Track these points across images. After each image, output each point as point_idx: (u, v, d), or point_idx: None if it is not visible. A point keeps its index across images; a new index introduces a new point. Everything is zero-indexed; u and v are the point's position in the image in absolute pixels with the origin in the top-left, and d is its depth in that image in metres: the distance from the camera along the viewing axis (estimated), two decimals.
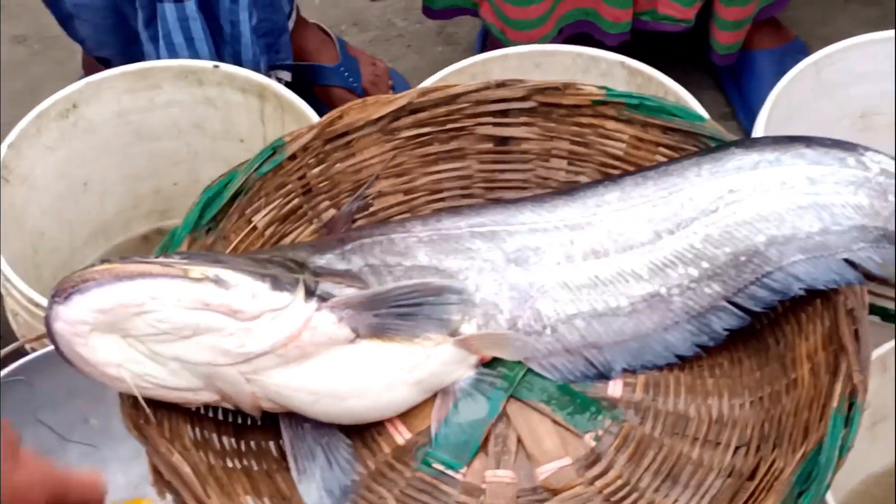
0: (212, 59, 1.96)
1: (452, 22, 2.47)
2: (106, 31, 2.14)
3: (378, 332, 1.32)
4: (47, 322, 1.23)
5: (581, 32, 2.18)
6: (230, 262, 1.30)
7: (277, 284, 1.28)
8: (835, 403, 1.24)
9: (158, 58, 1.97)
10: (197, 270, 1.25)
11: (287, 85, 1.87)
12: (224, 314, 1.25)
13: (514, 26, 2.13)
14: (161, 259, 1.27)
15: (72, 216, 1.92)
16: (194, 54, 1.97)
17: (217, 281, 1.26)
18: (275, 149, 1.48)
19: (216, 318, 1.25)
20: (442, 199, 1.56)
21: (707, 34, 2.25)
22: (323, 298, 1.31)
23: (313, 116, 1.77)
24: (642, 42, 2.20)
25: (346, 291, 1.33)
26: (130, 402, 1.28)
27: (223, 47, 2.01)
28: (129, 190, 1.97)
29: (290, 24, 2.21)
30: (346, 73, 2.33)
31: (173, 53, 1.97)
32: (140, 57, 2.04)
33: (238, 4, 1.97)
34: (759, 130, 1.70)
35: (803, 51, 2.28)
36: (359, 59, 2.36)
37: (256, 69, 1.97)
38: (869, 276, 1.36)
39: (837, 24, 2.42)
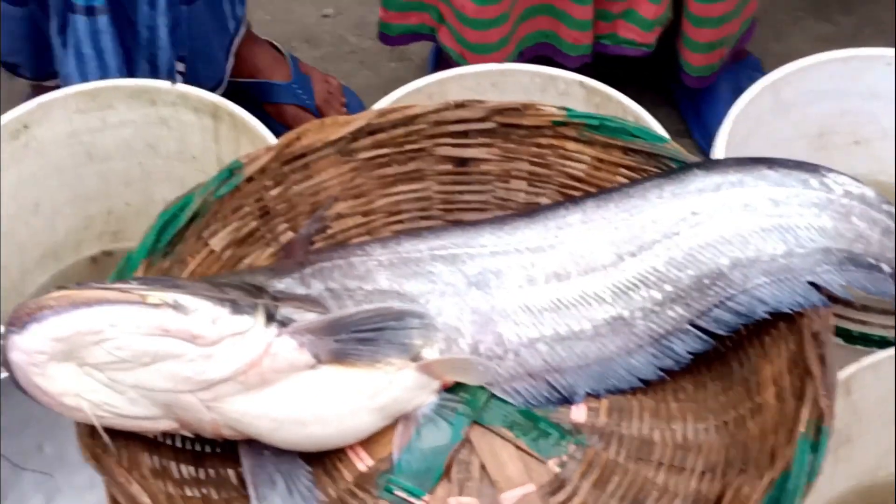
0: (120, 72, 1.95)
1: None
2: (19, 38, 2.11)
3: (339, 358, 1.30)
4: (3, 352, 1.21)
5: (541, 55, 2.17)
6: (189, 287, 1.28)
7: (237, 309, 1.26)
8: (802, 429, 1.23)
9: (69, 67, 1.95)
10: (155, 296, 1.23)
11: (233, 100, 1.85)
12: (184, 340, 1.23)
13: (474, 50, 2.12)
14: (118, 285, 1.25)
15: (23, 238, 1.89)
16: (103, 66, 1.94)
17: (176, 306, 1.23)
18: (232, 171, 1.46)
19: (176, 344, 1.23)
20: (401, 221, 1.55)
21: (676, 56, 2.24)
22: (283, 324, 1.29)
23: (268, 136, 1.74)
24: (599, 60, 2.19)
25: (307, 317, 1.31)
26: (87, 431, 1.26)
27: (137, 53, 1.98)
28: (80, 211, 1.94)
29: (237, 41, 2.19)
30: (298, 91, 2.31)
31: (82, 64, 1.94)
32: (51, 63, 2.03)
33: (156, 10, 1.94)
34: (718, 150, 1.70)
35: (758, 68, 2.28)
36: (311, 76, 2.34)
37: (171, 75, 1.96)
38: (833, 299, 1.35)
39: (791, 40, 2.42)
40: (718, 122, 1.79)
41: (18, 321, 1.20)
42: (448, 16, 2.15)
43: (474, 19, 2.11)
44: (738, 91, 1.85)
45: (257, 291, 1.32)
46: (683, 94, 2.33)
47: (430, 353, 1.35)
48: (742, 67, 2.29)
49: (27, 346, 1.19)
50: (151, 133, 1.86)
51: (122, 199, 1.94)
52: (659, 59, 2.30)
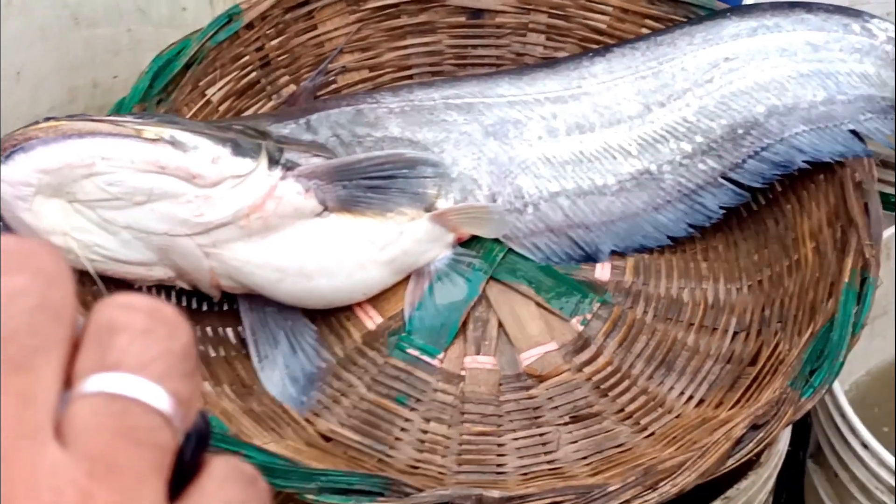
0: None
1: None
2: None
3: (348, 205, 1.21)
4: None
5: None
6: (187, 124, 1.19)
7: (239, 150, 1.17)
8: (846, 279, 1.15)
9: None
10: (151, 130, 1.14)
11: None
12: (181, 178, 1.14)
13: None
14: (113, 118, 1.16)
15: (3, 109, 1.79)
16: None
17: (174, 142, 1.14)
18: (230, 16, 1.37)
19: (172, 182, 1.14)
20: (410, 77, 1.46)
21: None
22: (288, 167, 1.20)
23: None
24: None
25: (313, 161, 1.22)
26: (77, 278, 1.15)
27: None
28: (64, 82, 1.83)
29: None
30: None
31: None
32: None
33: None
34: None
35: None
36: None
37: None
38: None
39: None
40: None
41: (4, 151, 1.10)
42: None
43: None
44: None
45: (260, 135, 1.23)
46: None
47: (445, 204, 1.27)
48: None
49: (13, 177, 1.10)
50: None
51: (109, 70, 1.84)
52: None
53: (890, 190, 1.47)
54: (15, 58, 1.76)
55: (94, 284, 1.16)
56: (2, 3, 1.68)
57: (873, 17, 1.33)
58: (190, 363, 0.48)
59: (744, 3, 1.54)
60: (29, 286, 0.46)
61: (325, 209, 1.21)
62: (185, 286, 1.22)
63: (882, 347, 1.48)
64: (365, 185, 1.22)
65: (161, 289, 1.23)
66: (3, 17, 1.71)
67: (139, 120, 1.16)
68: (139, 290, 1.21)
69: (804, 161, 1.26)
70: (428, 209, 1.25)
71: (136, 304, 0.48)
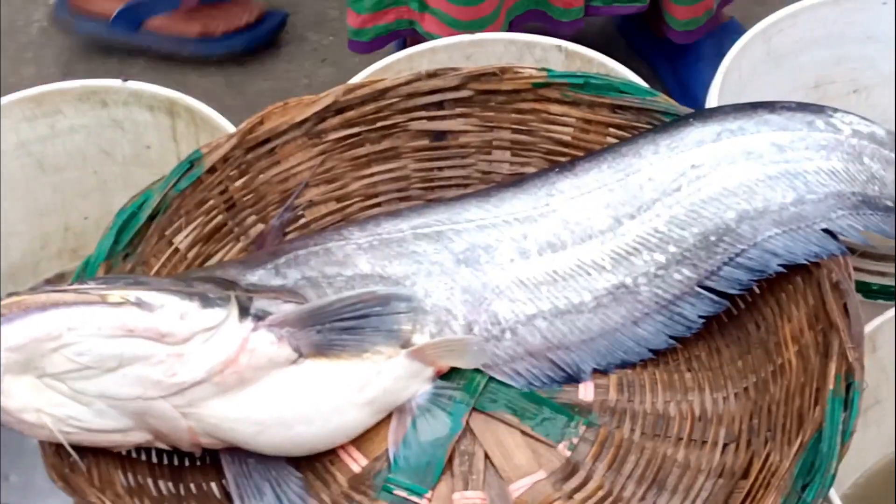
0: None
1: None
2: None
3: (322, 350, 1.20)
4: None
5: (531, 24, 2.06)
6: (152, 283, 1.18)
7: (207, 302, 1.16)
8: (831, 386, 1.14)
9: None
10: (116, 294, 1.13)
11: None
12: (151, 339, 1.13)
13: (465, 28, 1.99)
14: (75, 286, 1.15)
15: None
16: None
17: (139, 304, 1.13)
18: (192, 162, 1.35)
19: (142, 344, 1.12)
20: (378, 204, 1.45)
21: (660, 13, 2.14)
22: (259, 317, 1.19)
23: (230, 129, 1.64)
24: (573, 36, 2.09)
25: (284, 307, 1.21)
26: (53, 451, 1.16)
27: None
28: (35, 228, 1.83)
29: None
30: None
31: None
32: None
33: None
34: (710, 105, 1.60)
35: (739, 31, 2.18)
36: None
37: None
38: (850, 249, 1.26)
39: (773, 3, 2.32)
40: (702, 86, 1.69)
41: None
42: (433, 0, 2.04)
43: None
44: (720, 56, 1.75)
45: (229, 285, 1.22)
46: (663, 61, 2.24)
47: (421, 338, 1.25)
48: (724, 31, 2.19)
49: None
50: (105, 137, 1.75)
51: (79, 213, 1.83)
52: (637, 25, 2.20)
53: (870, 279, 1.46)
54: None
55: (69, 457, 1.14)
56: None
57: (836, 110, 1.32)
58: None
59: (706, 105, 1.54)
60: None
61: (300, 356, 1.19)
62: (164, 447, 1.20)
63: (876, 437, 1.46)
64: (338, 327, 1.20)
65: (139, 450, 1.21)
66: None
67: (103, 285, 1.15)
68: (118, 454, 1.19)
69: (779, 265, 1.25)
70: (404, 345, 1.24)
71: None
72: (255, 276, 1.26)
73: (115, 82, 1.71)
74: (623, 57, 1.72)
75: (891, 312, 1.43)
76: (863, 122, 1.32)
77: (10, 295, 1.12)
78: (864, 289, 1.51)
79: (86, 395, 1.12)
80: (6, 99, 1.70)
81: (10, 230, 1.81)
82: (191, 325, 1.14)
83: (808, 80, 1.77)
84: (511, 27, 2.04)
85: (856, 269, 1.42)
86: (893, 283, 1.50)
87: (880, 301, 1.51)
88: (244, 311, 1.18)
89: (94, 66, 2.39)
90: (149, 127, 1.74)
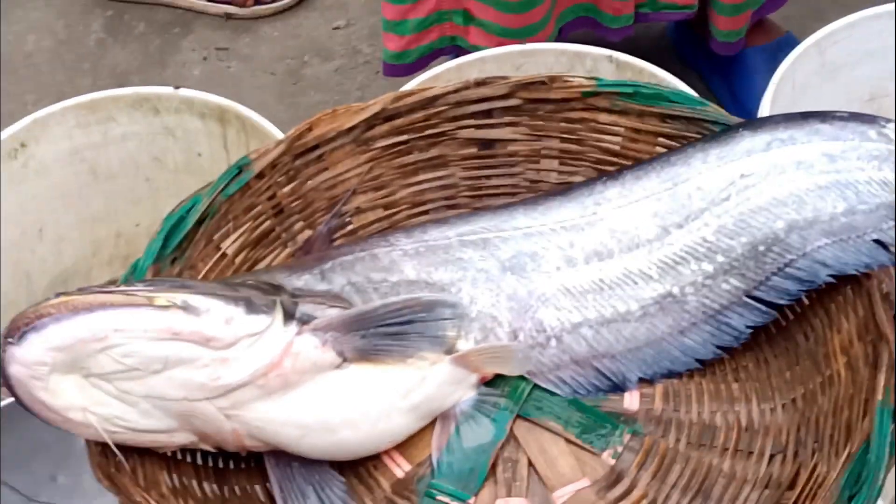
0: None
1: None
2: None
3: (367, 355, 1.20)
4: (2, 366, 1.11)
5: (581, 31, 2.06)
6: (199, 287, 1.18)
7: (253, 307, 1.16)
8: (879, 397, 1.12)
9: None
10: (163, 297, 1.13)
11: None
12: (196, 343, 1.13)
13: (514, 36, 1.99)
14: (122, 288, 1.15)
15: (28, 266, 1.80)
16: None
17: (186, 307, 1.13)
18: (240, 167, 1.36)
19: (187, 348, 1.13)
20: (426, 212, 1.44)
21: (706, 23, 2.14)
22: (304, 321, 1.19)
23: (279, 136, 1.65)
24: (625, 47, 2.09)
25: (329, 312, 1.21)
26: (99, 450, 1.16)
27: None
28: (87, 235, 1.84)
29: None
30: None
31: None
32: None
33: None
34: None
35: (794, 45, 2.17)
36: None
37: None
38: None
39: (830, 18, 2.32)
40: (755, 99, 1.68)
41: (16, 331, 1.10)
42: (479, 11, 2.03)
43: (513, 2, 2.00)
44: (773, 69, 1.74)
45: (274, 290, 1.22)
46: (717, 75, 2.24)
47: (465, 345, 1.25)
48: (780, 45, 2.18)
49: (27, 358, 1.10)
50: (157, 145, 1.77)
51: (130, 220, 1.85)
52: (690, 38, 2.20)
53: None
54: (36, 216, 1.77)
55: (115, 456, 1.14)
56: (15, 167, 1.69)
57: (889, 121, 1.31)
58: None
59: (758, 115, 1.53)
60: None
61: (344, 360, 1.20)
62: (209, 449, 1.20)
63: None
64: (383, 332, 1.20)
65: (184, 452, 1.22)
66: (21, 179, 1.72)
67: (150, 287, 1.15)
68: (163, 455, 1.20)
69: (829, 275, 1.24)
70: (449, 352, 1.23)
71: None
72: (301, 281, 1.27)
73: (168, 89, 1.73)
74: (677, 70, 1.72)
75: None
76: None
77: (58, 295, 1.13)
78: None
79: (131, 395, 1.13)
80: (60, 105, 1.72)
81: (63, 236, 1.83)
82: (235, 331, 1.15)
83: (863, 92, 1.75)
84: (560, 34, 2.04)
85: None
86: None
87: None
88: (289, 316, 1.19)
89: (149, 77, 2.41)
90: (200, 135, 1.75)
